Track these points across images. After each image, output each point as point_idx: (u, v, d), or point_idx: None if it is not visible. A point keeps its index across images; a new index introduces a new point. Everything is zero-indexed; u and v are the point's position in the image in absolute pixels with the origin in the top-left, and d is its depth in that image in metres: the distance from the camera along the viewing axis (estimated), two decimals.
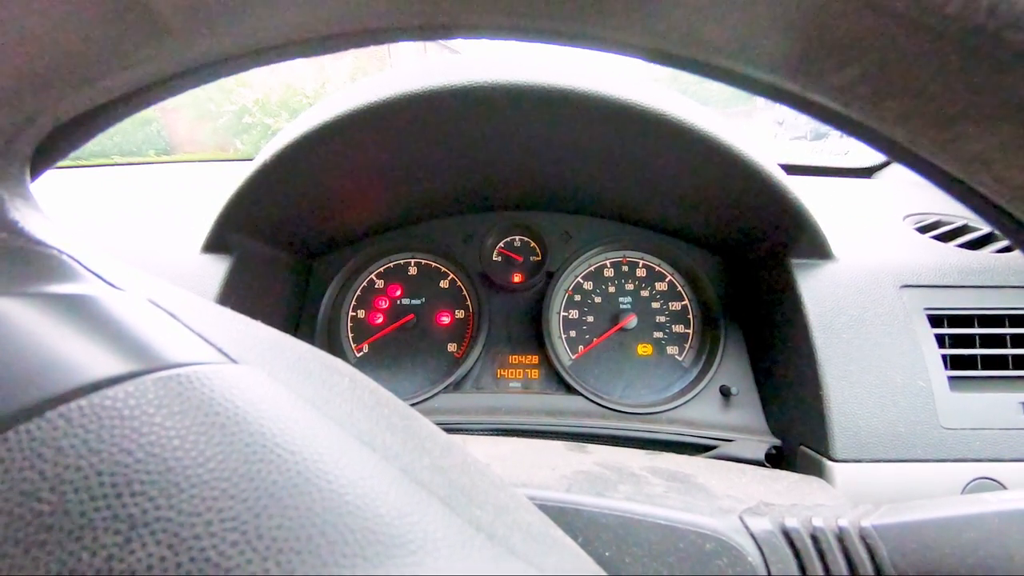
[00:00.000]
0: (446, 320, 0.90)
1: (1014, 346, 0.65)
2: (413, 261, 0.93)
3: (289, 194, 0.68)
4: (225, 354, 0.21)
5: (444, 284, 0.92)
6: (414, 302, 0.91)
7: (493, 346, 0.88)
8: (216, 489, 0.17)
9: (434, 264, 0.92)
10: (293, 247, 0.83)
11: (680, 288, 0.88)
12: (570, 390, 0.83)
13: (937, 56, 0.15)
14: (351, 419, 0.22)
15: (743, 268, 0.83)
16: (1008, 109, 0.15)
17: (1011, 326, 0.66)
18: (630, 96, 0.56)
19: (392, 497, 0.19)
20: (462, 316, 0.90)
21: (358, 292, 0.92)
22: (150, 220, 0.83)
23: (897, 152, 0.20)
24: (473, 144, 0.68)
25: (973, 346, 0.65)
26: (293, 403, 0.20)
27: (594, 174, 0.76)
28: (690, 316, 0.87)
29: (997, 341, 0.65)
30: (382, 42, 0.22)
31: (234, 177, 0.65)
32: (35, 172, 0.24)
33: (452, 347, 0.89)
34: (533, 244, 0.91)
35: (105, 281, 0.22)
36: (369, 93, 0.55)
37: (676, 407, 0.79)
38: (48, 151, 0.23)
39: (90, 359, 0.18)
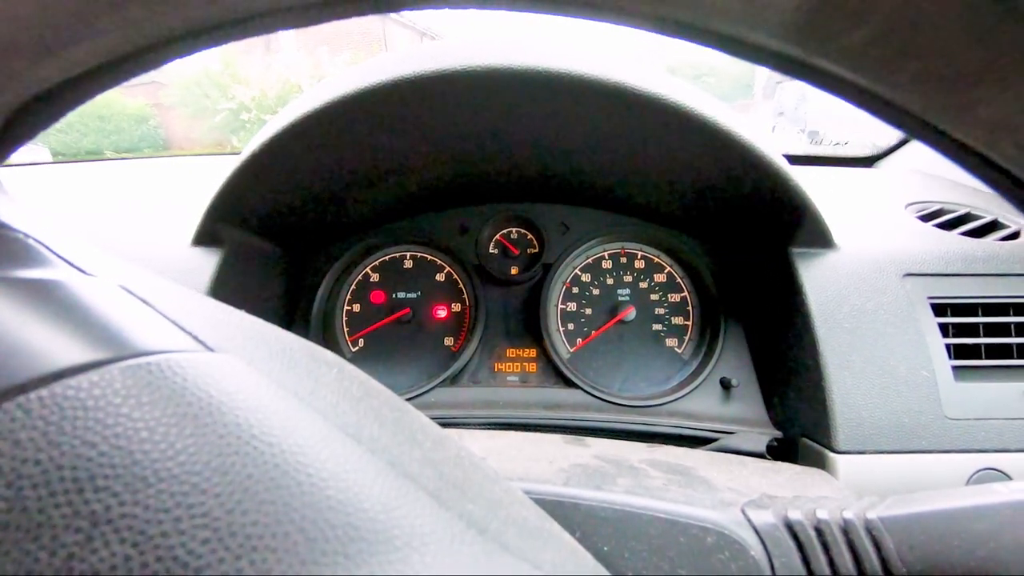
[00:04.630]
0: (442, 314, 0.89)
1: (1018, 335, 0.64)
2: (408, 254, 0.91)
3: (279, 185, 0.67)
4: (201, 342, 0.20)
5: (440, 277, 0.90)
6: (410, 295, 0.90)
7: (490, 339, 0.87)
8: (186, 484, 0.16)
9: (430, 257, 0.91)
10: (286, 240, 0.82)
11: (679, 279, 0.87)
12: (568, 383, 0.82)
13: (954, 13, 0.14)
14: (336, 410, 0.21)
15: (743, 258, 0.81)
16: None
17: (1015, 315, 0.65)
18: (627, 79, 0.54)
19: (377, 491, 0.18)
20: (458, 309, 0.89)
21: (353, 286, 0.90)
22: (142, 214, 0.81)
23: (908, 123, 0.18)
24: (467, 132, 0.66)
25: (977, 335, 0.64)
26: (273, 393, 0.19)
27: (591, 163, 0.74)
28: (689, 308, 0.86)
29: (1001, 330, 0.64)
30: (349, 15, 0.21)
31: (225, 170, 0.64)
32: (2, 153, 0.23)
33: (448, 341, 0.88)
34: (530, 236, 0.90)
35: (74, 266, 0.21)
36: (358, 79, 0.54)
37: (676, 399, 0.78)
38: (14, 130, 0.22)
39: (53, 347, 0.17)
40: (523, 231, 0.91)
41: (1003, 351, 0.64)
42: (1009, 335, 0.64)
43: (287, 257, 0.85)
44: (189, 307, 0.22)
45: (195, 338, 0.20)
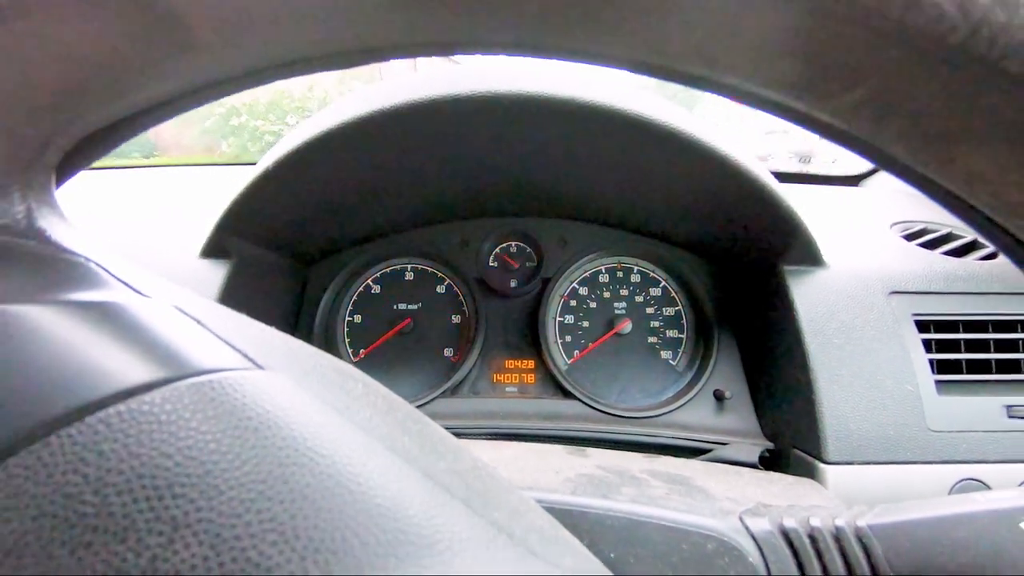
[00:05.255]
0: (443, 325, 0.91)
1: (997, 351, 0.67)
2: (410, 266, 0.93)
3: (291, 200, 0.68)
4: (251, 360, 0.22)
5: (441, 289, 0.92)
6: (411, 307, 0.91)
7: (490, 351, 0.89)
8: (253, 491, 0.17)
9: (431, 269, 0.93)
10: (290, 252, 0.83)
11: (674, 294, 0.89)
12: (566, 394, 0.84)
13: (938, 81, 0.17)
14: (371, 423, 0.23)
15: (736, 274, 0.84)
16: (1004, 130, 0.16)
17: (994, 331, 0.68)
18: (624, 104, 0.57)
19: (419, 499, 0.20)
20: (459, 321, 0.91)
21: (355, 297, 0.92)
22: (143, 224, 0.82)
23: (899, 169, 0.21)
24: (472, 151, 0.69)
25: (958, 351, 0.67)
26: (318, 408, 0.21)
27: (589, 181, 0.77)
28: (684, 321, 0.88)
29: (981, 346, 0.67)
30: (392, 58, 0.23)
31: (232, 181, 0.65)
32: (59, 180, 0.25)
33: (449, 352, 0.90)
34: (529, 250, 0.92)
35: (132, 288, 0.22)
36: (375, 101, 0.56)
37: (671, 411, 0.80)
38: (73, 160, 0.24)
39: (125, 365, 0.19)
40: (523, 245, 0.93)
41: (983, 366, 0.66)
42: (988, 351, 0.67)
43: (290, 269, 0.86)
44: (234, 326, 0.23)
45: (245, 356, 0.22)
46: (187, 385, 0.19)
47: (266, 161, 0.61)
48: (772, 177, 0.65)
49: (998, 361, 0.67)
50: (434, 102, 0.55)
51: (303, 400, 0.21)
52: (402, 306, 0.91)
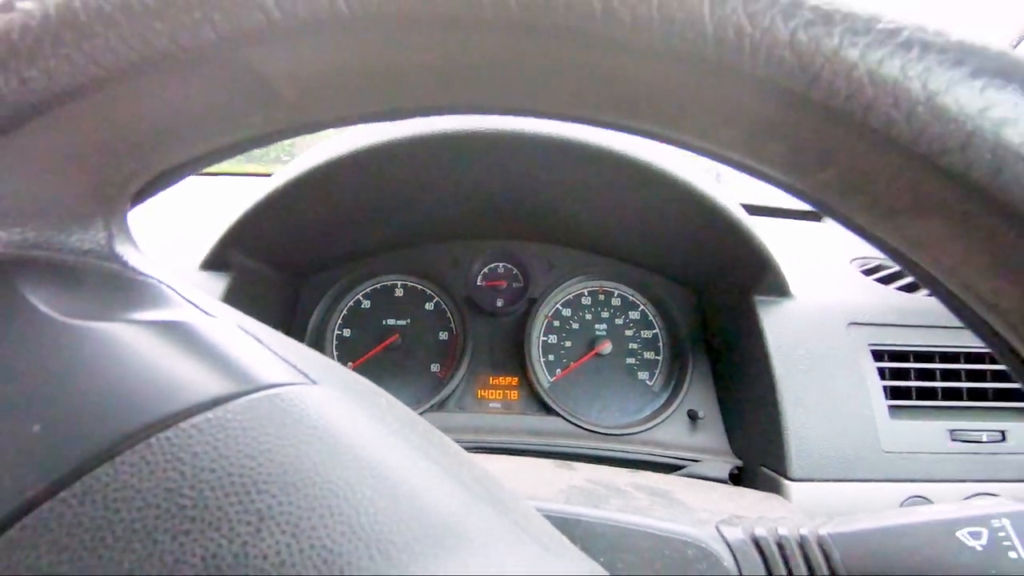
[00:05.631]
0: (431, 341, 0.93)
1: (943, 380, 0.73)
2: (400, 283, 0.96)
3: (296, 217, 0.71)
4: (304, 374, 0.25)
5: (430, 306, 0.95)
6: (400, 323, 0.94)
7: (476, 368, 0.92)
8: (324, 489, 0.20)
9: (420, 287, 0.96)
10: (286, 266, 0.85)
11: (652, 318, 0.94)
12: (549, 411, 0.87)
13: (892, 169, 0.21)
14: (403, 432, 0.26)
15: (710, 301, 0.90)
16: (938, 207, 0.21)
17: (940, 362, 0.74)
18: (604, 142, 0.62)
19: (455, 500, 0.23)
20: (446, 338, 0.94)
21: (345, 311, 0.94)
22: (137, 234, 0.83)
23: (857, 229, 0.25)
24: (465, 180, 0.73)
25: (909, 379, 0.73)
26: (365, 420, 0.24)
27: (574, 210, 0.82)
28: (660, 344, 0.93)
29: (929, 375, 0.74)
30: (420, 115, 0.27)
31: (235, 194, 0.68)
32: (132, 206, 0.27)
33: (436, 367, 0.92)
34: (516, 271, 0.96)
35: (200, 308, 0.25)
36: (385, 133, 0.60)
37: (647, 429, 0.84)
38: (147, 190, 0.27)
39: (207, 377, 0.22)
40: (510, 266, 0.96)
41: (930, 393, 0.73)
42: (935, 379, 0.73)
43: (283, 283, 0.88)
44: (283, 344, 0.27)
45: (301, 372, 0.25)
46: (259, 397, 0.22)
47: (279, 179, 0.64)
48: (744, 212, 0.71)
49: (943, 389, 0.73)
50: (436, 137, 0.60)
51: (352, 412, 0.24)
52: (391, 321, 0.94)
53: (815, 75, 0.18)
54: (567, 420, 0.86)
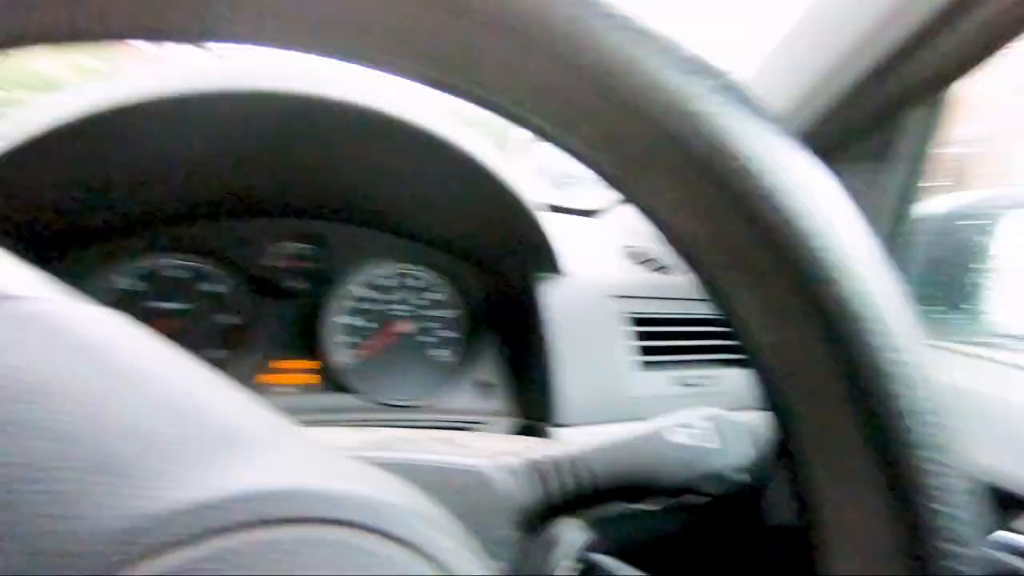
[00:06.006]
0: (215, 325, 0.86)
1: (682, 339, 0.92)
2: (181, 263, 0.87)
3: (31, 182, 0.60)
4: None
5: (215, 288, 0.88)
6: (180, 306, 0.85)
7: (268, 352, 0.88)
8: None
9: (205, 267, 0.88)
10: (29, 242, 0.71)
11: (449, 297, 1.00)
12: (348, 391, 0.87)
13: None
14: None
15: (500, 280, 0.98)
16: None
17: (682, 326, 0.93)
18: (397, 112, 0.64)
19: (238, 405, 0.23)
20: (234, 321, 0.88)
21: (111, 297, 0.82)
22: None
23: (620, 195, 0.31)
24: (252, 147, 0.70)
25: (656, 339, 0.90)
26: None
27: (367, 187, 0.83)
28: (456, 321, 0.99)
29: (672, 336, 0.91)
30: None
31: None
32: None
33: (222, 354, 0.86)
34: (312, 251, 0.94)
35: None
36: (147, 86, 0.54)
37: (444, 400, 0.90)
38: None
39: None
40: (305, 246, 0.93)
41: (672, 351, 0.91)
42: (675, 339, 0.91)
43: (30, 261, 0.73)
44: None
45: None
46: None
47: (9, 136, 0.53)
48: (531, 197, 0.80)
49: (682, 347, 0.91)
50: (214, 95, 0.56)
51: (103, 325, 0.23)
52: (169, 305, 0.84)
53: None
54: (368, 398, 0.87)
